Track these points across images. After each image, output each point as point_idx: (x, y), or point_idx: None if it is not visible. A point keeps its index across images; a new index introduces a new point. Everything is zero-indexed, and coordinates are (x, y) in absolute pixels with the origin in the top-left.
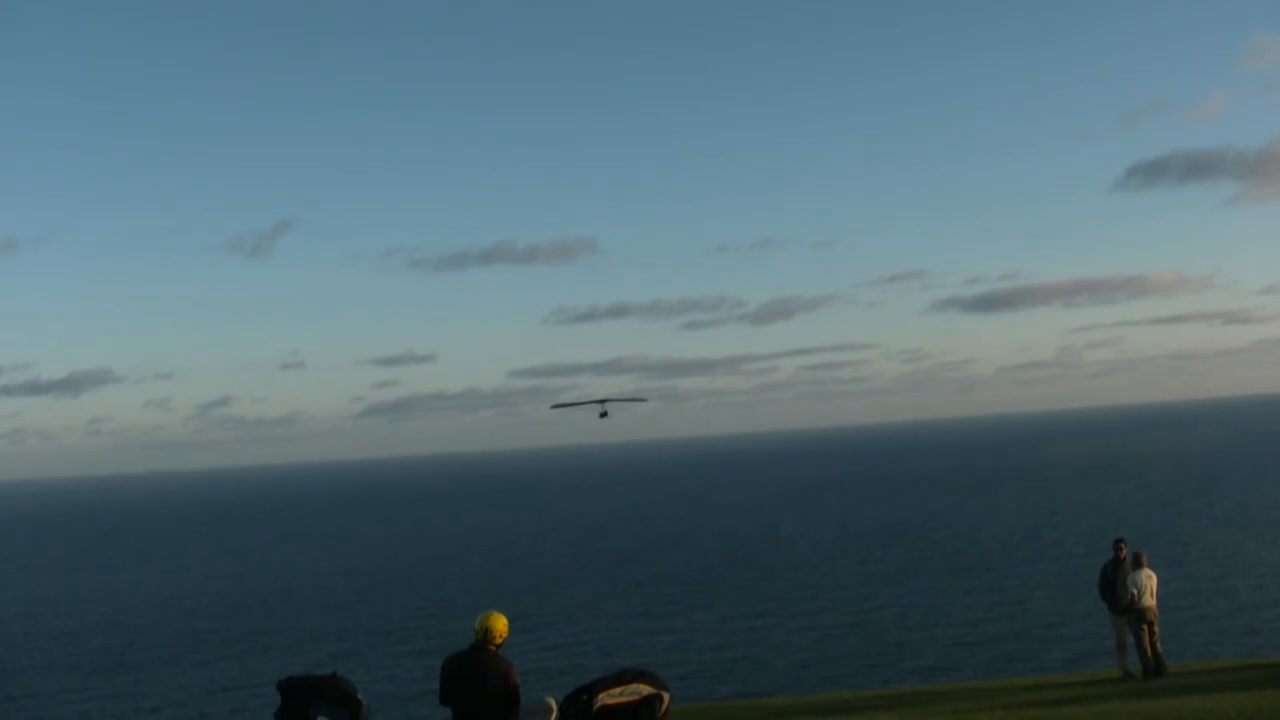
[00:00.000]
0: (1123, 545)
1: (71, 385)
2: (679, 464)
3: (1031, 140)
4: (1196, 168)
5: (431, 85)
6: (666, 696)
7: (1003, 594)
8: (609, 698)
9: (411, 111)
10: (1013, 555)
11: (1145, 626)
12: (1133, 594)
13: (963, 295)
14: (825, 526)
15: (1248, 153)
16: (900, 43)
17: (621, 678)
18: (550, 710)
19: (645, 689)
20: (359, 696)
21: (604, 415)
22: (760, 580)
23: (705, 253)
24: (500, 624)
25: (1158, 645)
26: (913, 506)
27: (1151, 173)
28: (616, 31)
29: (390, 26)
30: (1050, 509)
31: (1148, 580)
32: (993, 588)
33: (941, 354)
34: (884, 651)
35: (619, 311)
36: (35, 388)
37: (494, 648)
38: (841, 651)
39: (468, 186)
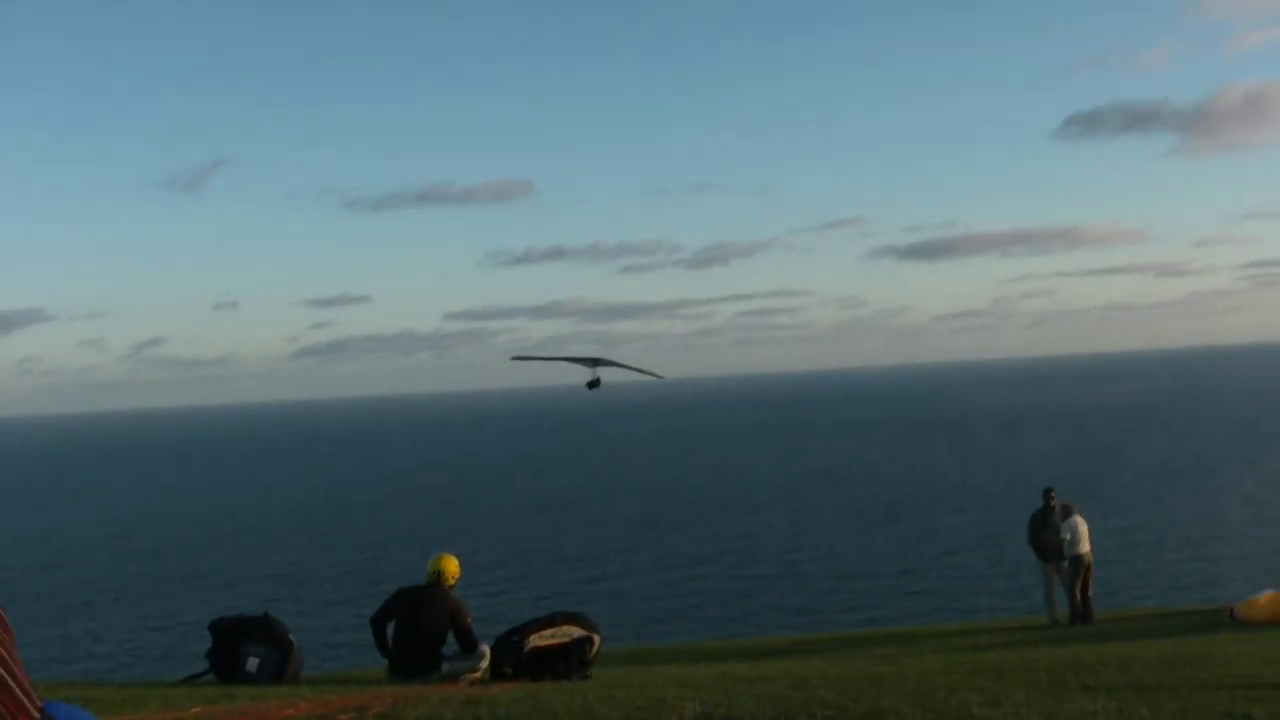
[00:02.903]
0: (1052, 494)
1: (1, 324)
2: (614, 408)
3: (972, 90)
4: (1134, 120)
5: (370, 26)
6: (597, 639)
7: (934, 541)
8: (540, 639)
9: (349, 51)
10: (945, 503)
11: (1082, 573)
12: (1065, 539)
13: (900, 243)
14: (759, 473)
15: (1186, 106)
16: None
17: (553, 620)
18: (483, 655)
19: (576, 631)
20: (290, 637)
21: (594, 386)
22: (694, 526)
23: (643, 196)
24: (452, 565)
25: (1089, 593)
26: (846, 454)
27: (1089, 124)
28: None
29: None
30: (982, 458)
31: (1080, 527)
32: (925, 535)
33: (878, 301)
34: (816, 597)
35: (556, 254)
36: None
37: (447, 587)
38: (774, 597)
39: (404, 127)
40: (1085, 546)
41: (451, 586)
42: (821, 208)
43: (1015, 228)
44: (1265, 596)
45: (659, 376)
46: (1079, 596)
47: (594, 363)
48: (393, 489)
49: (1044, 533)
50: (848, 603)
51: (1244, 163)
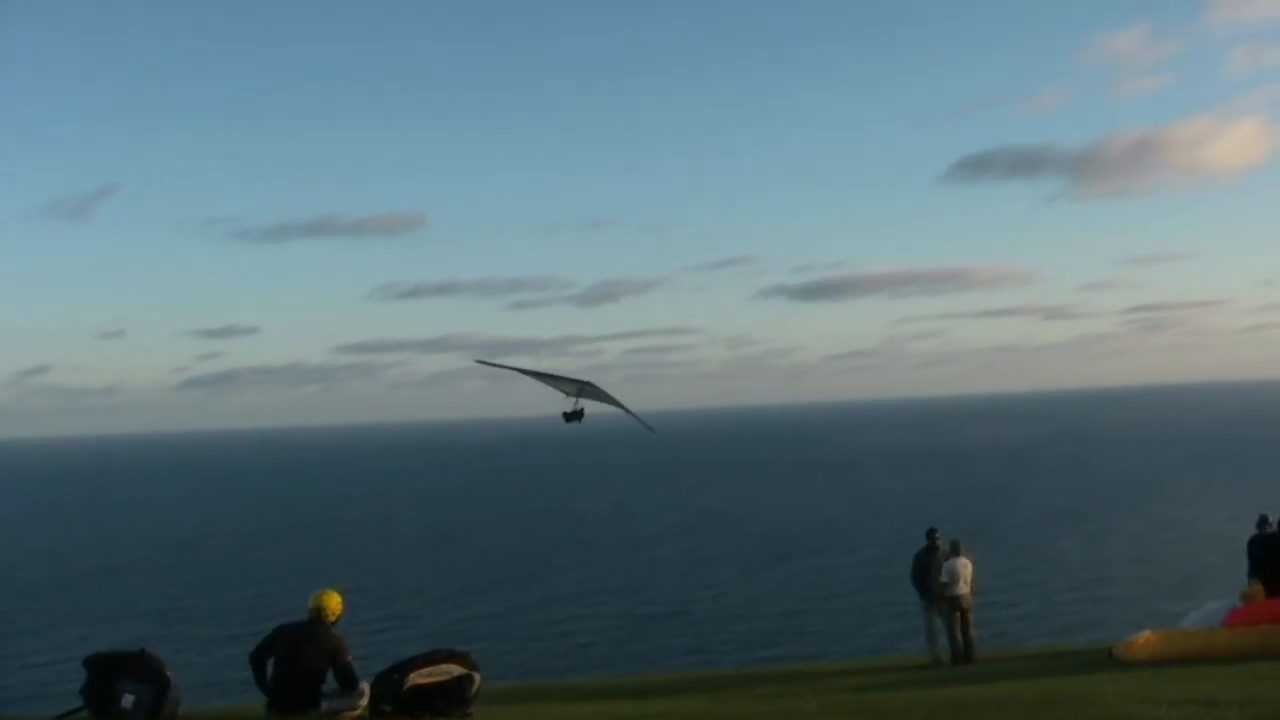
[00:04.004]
0: (936, 534)
1: None
2: (505, 443)
3: (863, 131)
4: (1023, 163)
5: (261, 54)
6: (478, 677)
7: (823, 581)
8: (420, 677)
9: (240, 79)
10: (834, 543)
11: (958, 614)
12: (945, 582)
13: (790, 283)
14: (648, 511)
15: (1074, 151)
16: (736, 26)
17: (432, 658)
18: (362, 693)
19: (457, 669)
20: (168, 674)
21: (574, 418)
22: (581, 563)
23: (535, 231)
24: (334, 601)
25: (970, 632)
26: (735, 492)
27: (978, 166)
28: (449, 5)
29: None
30: (872, 498)
31: (963, 569)
32: (813, 575)
33: (768, 340)
34: (704, 636)
35: (447, 289)
36: None
37: (328, 624)
38: (659, 634)
39: (296, 157)
40: (964, 588)
41: (333, 623)
42: (713, 246)
43: (905, 269)
44: (1143, 637)
45: (651, 429)
46: (960, 636)
47: (580, 388)
48: (278, 523)
49: (927, 573)
50: (735, 641)
51: (1129, 208)
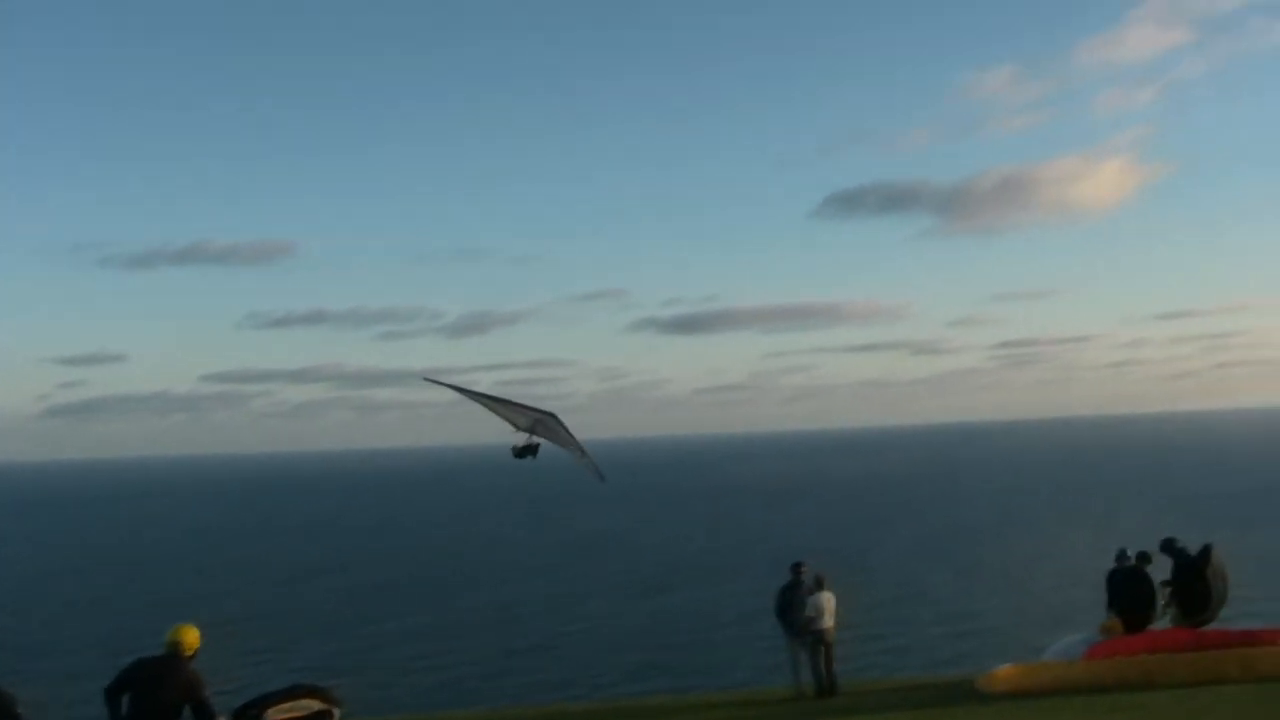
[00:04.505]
0: (802, 568)
1: None
2: (372, 475)
3: (734, 165)
4: (893, 200)
5: (128, 74)
6: (338, 712)
7: (689, 613)
8: (277, 713)
9: (104, 101)
10: (700, 575)
11: (822, 648)
12: (810, 616)
13: (661, 316)
14: (517, 542)
15: (943, 188)
16: (609, 57)
17: (292, 692)
18: None
19: (315, 704)
20: (19, 710)
21: (526, 454)
22: (449, 595)
23: (405, 261)
24: (191, 635)
25: (833, 666)
26: (602, 524)
27: (849, 202)
28: (316, 28)
29: (86, 13)
30: (739, 530)
31: (827, 602)
32: (680, 607)
33: (639, 373)
34: (571, 669)
35: (316, 318)
36: None
37: (185, 658)
38: (529, 668)
39: (163, 182)
40: (829, 621)
41: (190, 657)
42: (584, 278)
43: (776, 304)
44: (1005, 669)
45: (602, 478)
46: (824, 669)
47: (534, 421)
48: (139, 554)
49: (791, 607)
50: (605, 674)
51: (998, 245)
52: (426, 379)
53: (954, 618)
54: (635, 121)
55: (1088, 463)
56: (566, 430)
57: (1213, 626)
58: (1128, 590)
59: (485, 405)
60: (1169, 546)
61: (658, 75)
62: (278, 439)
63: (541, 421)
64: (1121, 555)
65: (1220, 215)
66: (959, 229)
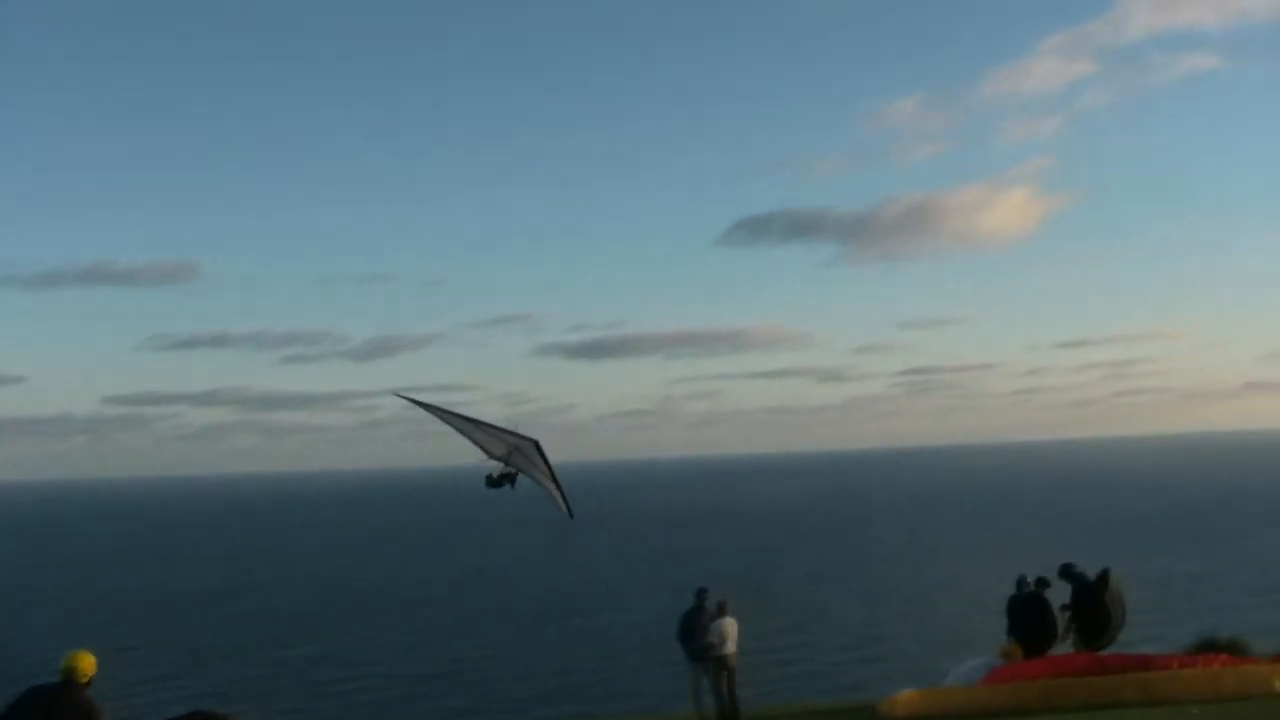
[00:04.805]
0: (705, 593)
1: None
2: (277, 499)
3: (640, 190)
4: (801, 227)
5: (31, 90)
6: None
7: (594, 639)
8: None
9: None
10: (605, 601)
11: (724, 673)
12: (713, 641)
13: (567, 341)
14: (420, 569)
15: (850, 216)
16: (513, 79)
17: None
18: None
19: None
20: None
21: (503, 483)
22: (352, 622)
23: (311, 284)
24: (86, 662)
25: (735, 691)
26: (505, 550)
27: (756, 229)
28: (223, 43)
29: None
30: (644, 556)
31: (729, 628)
32: (584, 633)
33: (544, 398)
34: (475, 696)
35: (220, 341)
36: None
37: (81, 685)
38: (433, 694)
39: (64, 201)
40: (731, 647)
41: (86, 684)
42: (490, 303)
43: (682, 329)
44: (905, 694)
45: (570, 514)
46: (726, 695)
47: (510, 449)
48: (38, 580)
49: (695, 631)
50: (510, 701)
51: (903, 272)
52: (399, 395)
53: (858, 643)
54: (546, 144)
55: (990, 489)
56: (545, 459)
57: (1111, 651)
58: (1027, 616)
59: (458, 428)
60: (1067, 572)
61: (567, 99)
62: (181, 462)
63: (519, 448)
64: (1021, 582)
65: (1122, 246)
66: (864, 256)
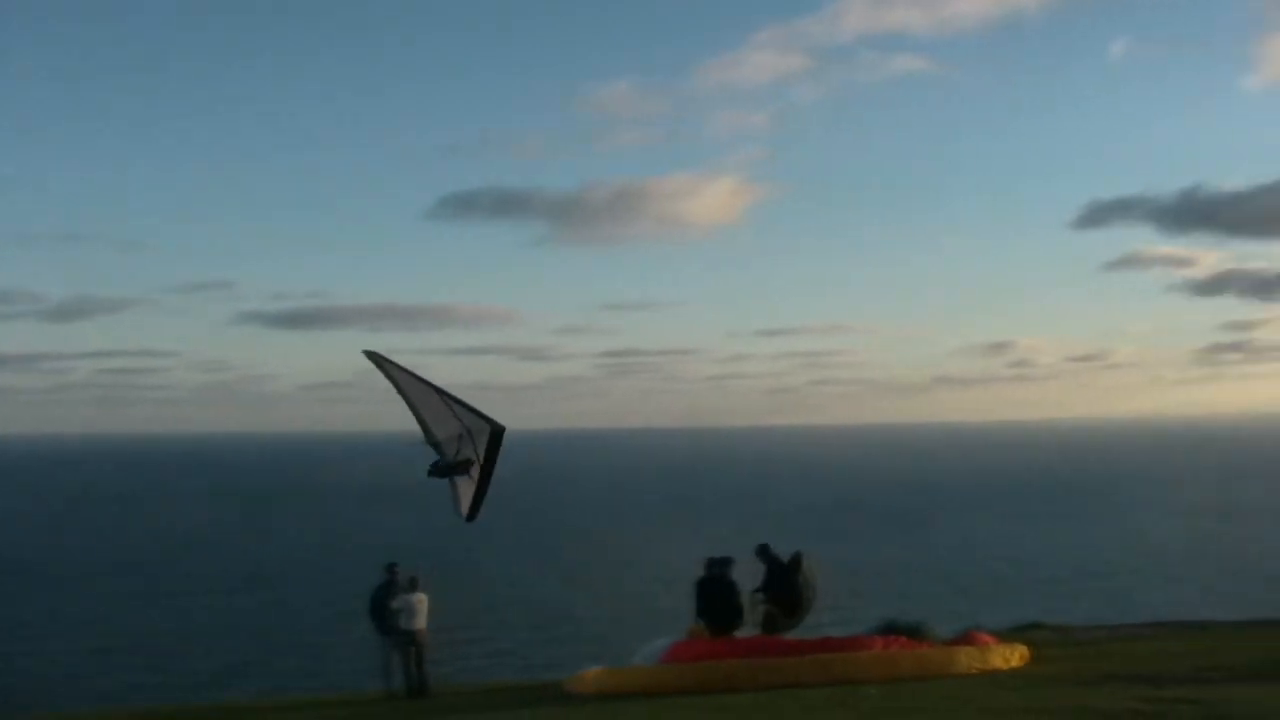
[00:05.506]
0: (396, 569)
1: None
2: None
3: (346, 160)
4: (508, 205)
5: None
6: None
7: (284, 614)
8: None
9: None
10: (299, 574)
11: (413, 649)
12: (400, 613)
13: (268, 310)
14: (112, 537)
15: (558, 197)
16: (223, 39)
17: None
18: None
19: None
20: None
21: (449, 473)
22: (30, 593)
23: (4, 242)
24: None
25: (424, 667)
26: (202, 520)
27: (464, 205)
28: None
29: None
30: (340, 529)
31: (419, 603)
32: (275, 607)
33: (244, 367)
34: (164, 670)
35: None
36: None
37: None
38: (119, 668)
39: None
40: (421, 623)
41: None
42: (191, 268)
43: (385, 303)
44: (592, 671)
45: (468, 519)
46: (415, 671)
47: (462, 434)
48: None
49: (385, 607)
50: (198, 675)
51: (609, 256)
52: (370, 355)
53: (551, 622)
54: (251, 107)
55: (688, 472)
56: (494, 452)
57: (798, 633)
58: (714, 597)
59: (413, 400)
60: (764, 552)
61: (274, 61)
62: None
63: (471, 432)
64: (709, 564)
65: (824, 239)
66: (572, 238)
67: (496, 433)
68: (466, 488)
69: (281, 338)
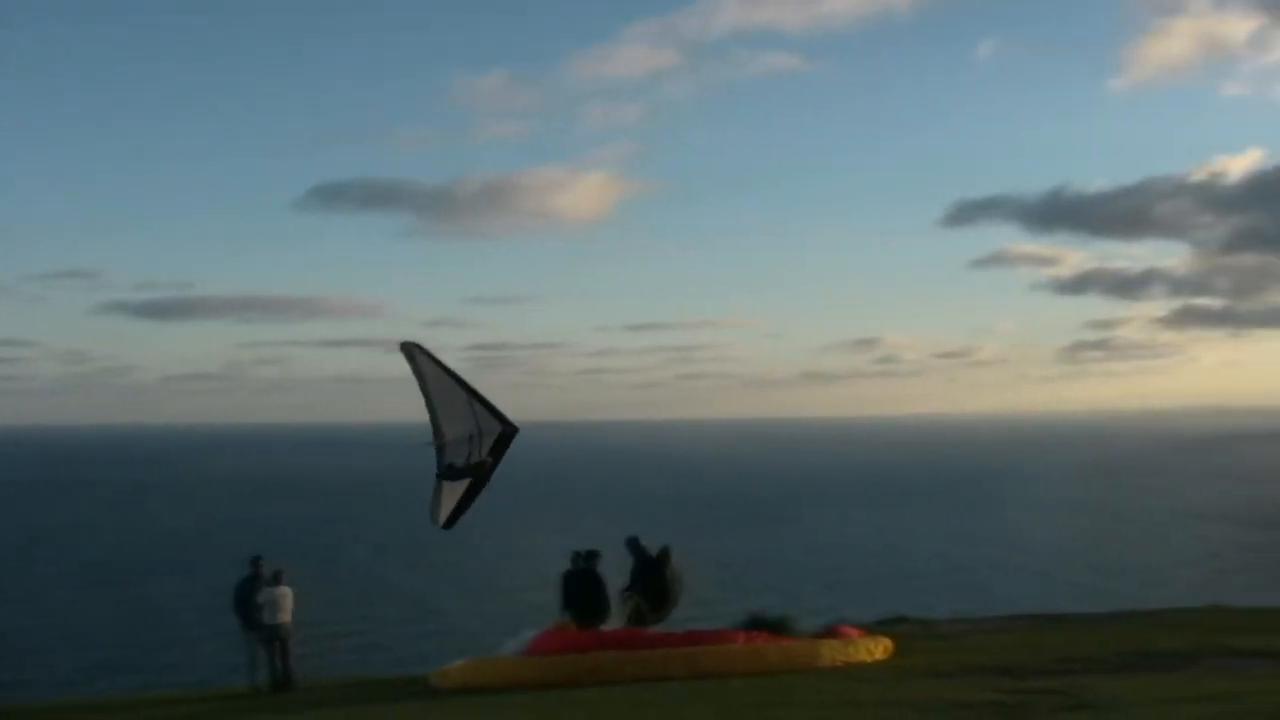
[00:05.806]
0: (260, 562)
1: None
2: None
3: (215, 150)
4: (377, 197)
5: None
6: None
7: (151, 609)
8: None
9: None
10: (162, 569)
11: (278, 643)
12: (264, 608)
13: (132, 300)
14: None
15: (427, 189)
16: (94, 30)
17: None
18: None
19: None
20: None
21: (463, 475)
22: None
23: None
24: None
25: (290, 661)
26: (63, 515)
27: (332, 196)
28: None
29: None
30: (206, 524)
31: (283, 597)
32: (141, 602)
33: (106, 358)
34: (25, 668)
35: None
36: None
37: None
38: None
39: None
40: (285, 616)
41: None
42: (51, 256)
43: (251, 293)
44: (456, 665)
45: (445, 526)
46: (280, 664)
47: (478, 430)
48: None
49: (249, 601)
50: (60, 671)
51: (478, 248)
52: (406, 345)
53: (420, 616)
54: (118, 93)
55: (556, 466)
56: (500, 456)
57: (665, 626)
58: (580, 590)
59: (436, 398)
60: (634, 544)
61: (143, 48)
62: None
63: (483, 433)
64: (575, 557)
65: (695, 235)
66: (440, 230)
67: (506, 434)
68: (451, 494)
69: (146, 328)
